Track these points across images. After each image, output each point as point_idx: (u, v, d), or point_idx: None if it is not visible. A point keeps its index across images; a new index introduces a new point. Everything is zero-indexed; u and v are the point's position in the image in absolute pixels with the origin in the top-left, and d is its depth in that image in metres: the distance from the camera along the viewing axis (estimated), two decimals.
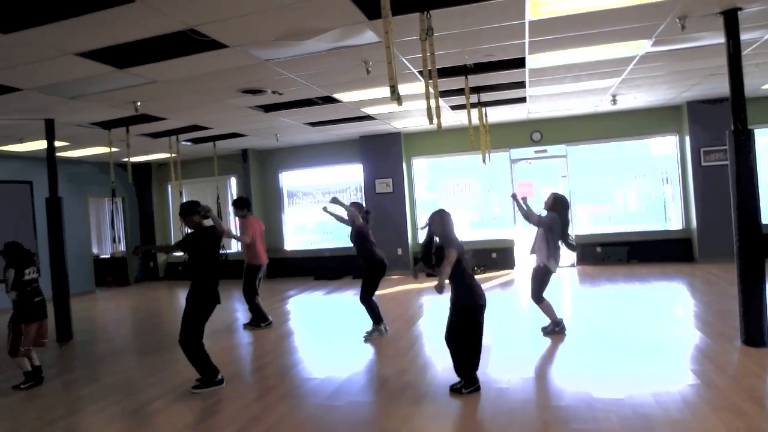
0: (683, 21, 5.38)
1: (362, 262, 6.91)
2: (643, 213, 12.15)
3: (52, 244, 8.12)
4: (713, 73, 8.24)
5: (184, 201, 5.63)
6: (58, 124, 8.13)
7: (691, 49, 6.71)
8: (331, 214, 7.47)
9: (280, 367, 6.00)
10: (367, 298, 6.81)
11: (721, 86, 9.17)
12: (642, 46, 6.49)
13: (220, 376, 5.31)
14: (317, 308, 9.58)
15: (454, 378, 4.85)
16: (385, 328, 6.87)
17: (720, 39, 5.68)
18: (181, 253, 5.60)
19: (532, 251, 6.41)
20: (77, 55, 5.31)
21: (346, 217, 7.07)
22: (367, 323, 6.91)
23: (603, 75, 7.96)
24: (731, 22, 5.35)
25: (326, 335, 7.44)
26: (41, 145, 8.66)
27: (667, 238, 11.62)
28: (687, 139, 11.13)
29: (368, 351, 6.34)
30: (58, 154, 8.56)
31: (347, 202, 7.14)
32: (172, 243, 13.86)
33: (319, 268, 13.00)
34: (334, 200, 7.08)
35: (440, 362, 5.67)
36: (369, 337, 6.77)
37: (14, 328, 5.66)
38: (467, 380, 4.68)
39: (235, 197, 14.14)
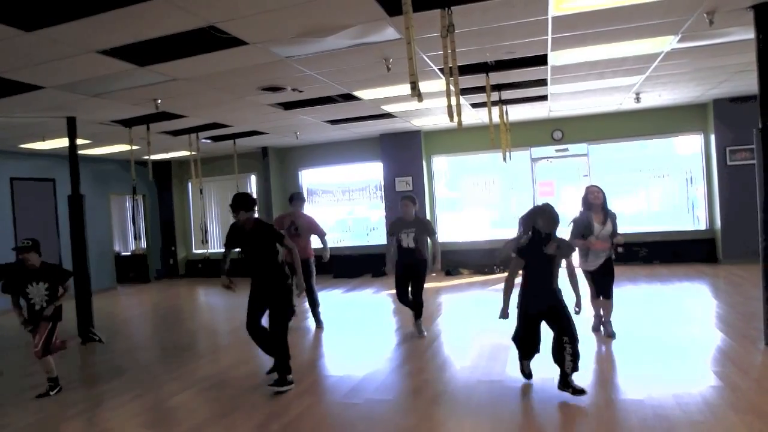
0: (711, 16, 5.26)
1: (413, 264, 6.62)
2: (665, 213, 11.96)
3: (74, 241, 8.20)
4: (742, 70, 8.06)
5: (239, 192, 5.46)
6: (80, 121, 8.20)
7: (719, 45, 6.57)
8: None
9: (299, 365, 5.97)
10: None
11: (749, 84, 8.97)
12: (668, 43, 6.36)
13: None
14: (336, 306, 9.56)
15: (472, 376, 4.80)
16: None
17: (750, 34, 5.54)
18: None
19: (602, 252, 5.97)
20: (99, 53, 5.35)
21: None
22: (382, 321, 6.89)
23: (627, 72, 7.84)
24: (762, 17, 5.21)
25: (344, 333, 7.42)
26: (63, 143, 8.75)
27: (690, 239, 11.43)
28: (712, 137, 10.93)
29: (386, 349, 6.30)
30: (80, 151, 8.63)
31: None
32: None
33: (338, 266, 12.98)
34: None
35: (458, 361, 5.65)
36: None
37: (52, 327, 5.43)
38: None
39: (255, 195, 14.28)
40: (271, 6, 4.53)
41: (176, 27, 4.85)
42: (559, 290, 4.52)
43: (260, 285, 5.24)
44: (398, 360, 5.91)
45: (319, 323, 7.64)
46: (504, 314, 4.54)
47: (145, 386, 5.49)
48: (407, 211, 6.60)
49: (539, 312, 4.52)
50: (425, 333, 6.72)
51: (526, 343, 4.67)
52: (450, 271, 12.10)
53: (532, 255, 4.45)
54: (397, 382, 5.28)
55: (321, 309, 7.71)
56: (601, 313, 6.19)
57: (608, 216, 5.97)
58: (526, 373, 4.81)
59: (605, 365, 5.21)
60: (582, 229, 5.90)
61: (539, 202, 6.02)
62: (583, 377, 4.95)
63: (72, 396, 5.36)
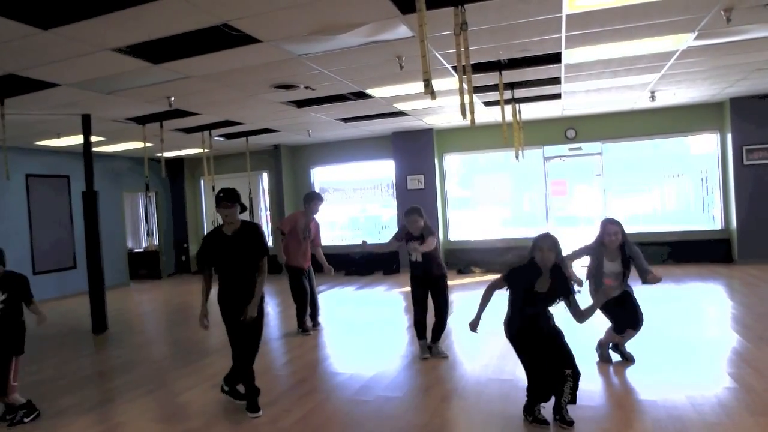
0: (729, 13, 5.18)
1: (427, 279, 5.84)
2: (679, 213, 11.85)
3: (88, 237, 8.27)
4: (760, 68, 7.95)
5: (228, 187, 4.57)
6: (94, 119, 8.27)
7: (736, 43, 6.47)
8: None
9: (309, 362, 6.01)
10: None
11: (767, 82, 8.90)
12: (684, 40, 6.29)
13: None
14: (347, 304, 9.59)
15: (483, 374, 4.79)
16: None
17: None
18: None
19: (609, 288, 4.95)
20: (113, 51, 5.38)
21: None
22: (393, 319, 6.88)
23: (642, 70, 7.76)
24: None
25: (355, 331, 7.43)
26: (78, 140, 8.83)
27: (705, 239, 11.31)
28: (729, 137, 10.80)
29: (397, 347, 6.30)
30: (94, 149, 8.71)
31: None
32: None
33: (350, 264, 13.00)
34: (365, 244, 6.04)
35: (469, 359, 5.64)
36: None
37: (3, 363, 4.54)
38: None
39: (267, 193, 14.34)
40: (284, 4, 4.53)
41: (190, 25, 4.86)
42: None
43: (238, 305, 4.48)
44: (409, 358, 5.90)
45: (317, 323, 7.48)
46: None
47: (157, 381, 5.54)
48: (416, 226, 5.74)
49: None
50: (446, 354, 5.89)
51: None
52: (462, 269, 12.07)
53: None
54: (408, 379, 5.28)
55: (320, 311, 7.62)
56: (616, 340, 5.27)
57: (623, 256, 5.07)
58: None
59: (618, 365, 5.16)
60: (592, 270, 5.13)
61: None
62: (595, 377, 4.93)
63: (85, 390, 5.41)
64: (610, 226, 5.09)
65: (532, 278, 3.93)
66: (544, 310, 3.99)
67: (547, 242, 3.92)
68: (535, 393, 4.01)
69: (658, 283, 4.93)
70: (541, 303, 3.96)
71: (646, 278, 4.94)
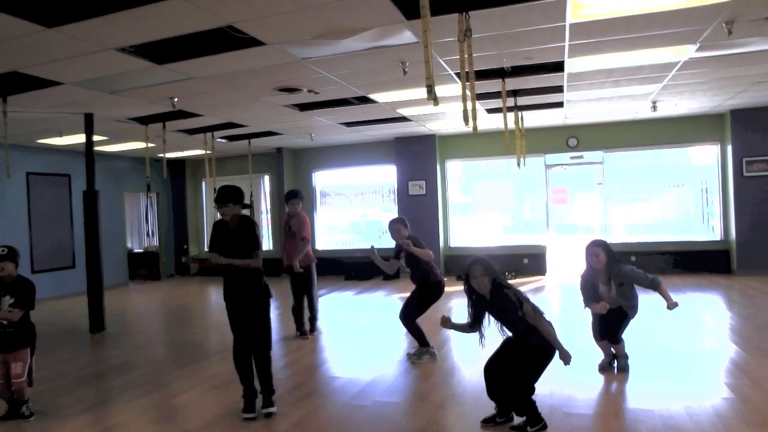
0: (730, 26, 5.22)
1: (416, 283, 6.04)
2: (679, 223, 11.87)
3: (88, 236, 8.27)
4: (760, 81, 7.99)
5: (225, 184, 4.71)
6: (97, 118, 8.29)
7: (737, 55, 6.51)
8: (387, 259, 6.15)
9: (307, 366, 6.00)
10: (411, 320, 5.93)
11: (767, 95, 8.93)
12: (686, 52, 6.32)
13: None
14: (346, 308, 9.58)
15: (480, 381, 4.76)
16: (434, 351, 6.01)
17: None
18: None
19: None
20: (117, 50, 5.40)
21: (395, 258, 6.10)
22: (392, 324, 6.86)
23: (644, 81, 7.79)
24: None
25: (353, 336, 7.43)
26: (80, 139, 8.85)
27: (704, 249, 11.32)
28: (729, 148, 10.83)
29: (395, 353, 6.30)
30: (96, 148, 8.72)
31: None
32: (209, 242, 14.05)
33: (350, 268, 12.99)
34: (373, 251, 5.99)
35: (467, 365, 5.63)
36: (417, 360, 5.88)
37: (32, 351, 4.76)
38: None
39: (269, 195, 14.37)
40: (289, 7, 4.55)
41: (194, 26, 4.89)
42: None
43: (238, 296, 4.63)
44: (407, 363, 5.89)
45: (314, 328, 7.45)
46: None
47: (155, 383, 5.52)
48: (399, 235, 5.88)
49: None
50: (412, 360, 5.95)
51: None
52: (462, 275, 12.04)
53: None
54: (406, 385, 5.27)
55: (319, 315, 7.60)
56: (612, 350, 5.26)
57: (614, 277, 5.03)
58: None
59: (615, 375, 5.15)
60: (588, 292, 5.12)
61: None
62: (592, 385, 4.92)
63: (81, 390, 5.40)
64: (591, 246, 5.09)
65: (482, 311, 4.07)
66: (515, 331, 4.03)
67: (479, 269, 3.98)
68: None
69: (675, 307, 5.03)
70: (507, 325, 4.06)
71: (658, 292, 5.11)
